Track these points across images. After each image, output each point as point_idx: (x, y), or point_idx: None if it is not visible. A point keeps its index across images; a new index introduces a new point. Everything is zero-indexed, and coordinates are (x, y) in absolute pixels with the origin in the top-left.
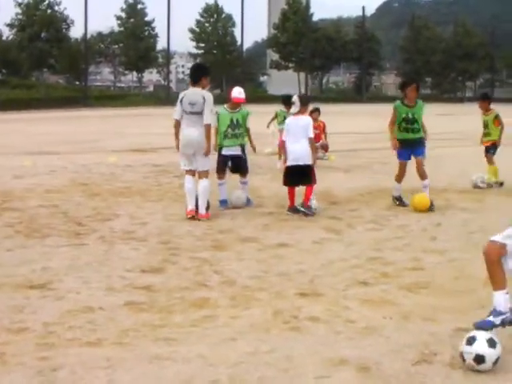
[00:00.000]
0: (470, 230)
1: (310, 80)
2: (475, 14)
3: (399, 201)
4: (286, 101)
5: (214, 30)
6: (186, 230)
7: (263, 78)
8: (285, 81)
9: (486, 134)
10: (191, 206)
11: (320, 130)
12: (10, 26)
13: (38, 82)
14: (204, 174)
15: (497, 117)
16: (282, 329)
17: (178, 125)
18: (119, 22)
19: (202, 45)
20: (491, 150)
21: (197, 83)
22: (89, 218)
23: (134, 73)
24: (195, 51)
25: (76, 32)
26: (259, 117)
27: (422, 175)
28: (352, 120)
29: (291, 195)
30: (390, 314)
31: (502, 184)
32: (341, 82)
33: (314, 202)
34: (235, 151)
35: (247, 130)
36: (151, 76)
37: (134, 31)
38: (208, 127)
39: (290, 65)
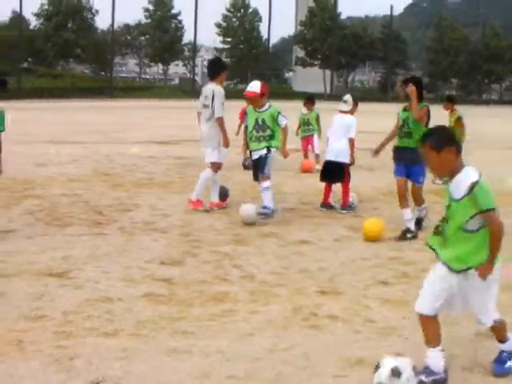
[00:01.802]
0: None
1: (336, 78)
2: (504, 16)
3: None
4: (309, 100)
5: (241, 24)
6: (208, 223)
7: (288, 75)
8: (310, 78)
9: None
10: (215, 199)
11: None
12: (37, 15)
13: (63, 72)
14: (208, 165)
15: (459, 118)
16: (301, 326)
17: (199, 117)
18: (146, 13)
19: (229, 39)
20: None
21: (213, 78)
22: (110, 208)
23: (160, 65)
24: (221, 46)
25: (103, 23)
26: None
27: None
28: (377, 119)
29: (327, 191)
30: (410, 315)
31: None
32: (366, 81)
33: (353, 196)
34: (259, 154)
35: (282, 131)
36: (177, 69)
37: (160, 23)
38: (220, 120)
39: (316, 62)
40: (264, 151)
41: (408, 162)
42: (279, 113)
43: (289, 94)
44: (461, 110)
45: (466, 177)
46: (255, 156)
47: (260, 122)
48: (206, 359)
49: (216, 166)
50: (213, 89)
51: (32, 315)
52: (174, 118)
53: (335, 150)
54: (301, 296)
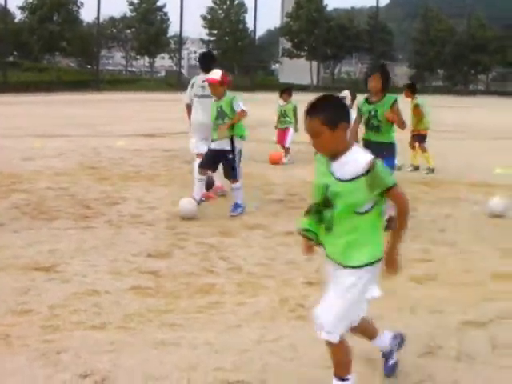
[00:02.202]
0: (479, 223)
1: (322, 69)
2: (490, 7)
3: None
4: (285, 91)
5: (227, 16)
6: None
7: (275, 66)
8: (296, 69)
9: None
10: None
11: None
12: (22, 8)
13: (49, 65)
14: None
15: (416, 106)
16: (288, 317)
17: (189, 108)
18: (131, 7)
19: (214, 31)
20: (420, 138)
21: (207, 70)
22: (97, 202)
23: (146, 58)
24: (207, 38)
25: (88, 16)
26: (267, 104)
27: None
28: None
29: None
30: (398, 305)
31: (433, 170)
32: (353, 72)
33: None
34: (220, 145)
35: (237, 114)
36: (163, 61)
37: (145, 16)
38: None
39: (302, 53)
40: (228, 146)
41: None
42: (234, 97)
43: (275, 86)
44: (448, 101)
45: (359, 155)
46: (216, 146)
47: (219, 110)
48: (194, 351)
49: None
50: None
51: (18, 310)
52: (160, 111)
53: None
54: (288, 287)
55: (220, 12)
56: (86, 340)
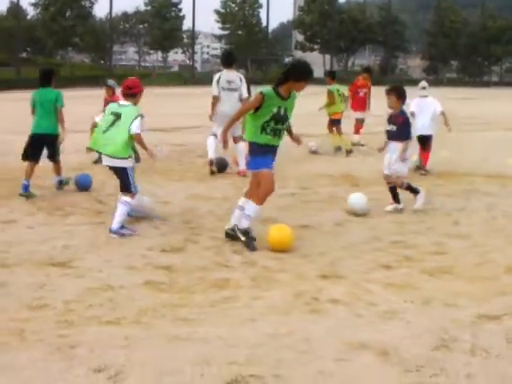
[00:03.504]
0: (493, 215)
1: (336, 62)
2: None
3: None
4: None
5: (240, 10)
6: (208, 209)
7: (288, 60)
8: (310, 62)
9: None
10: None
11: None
12: (35, 5)
13: (62, 61)
14: (240, 138)
15: (329, 92)
16: (303, 311)
17: (216, 99)
18: (145, 1)
19: (228, 26)
20: (335, 121)
21: (230, 67)
22: (111, 197)
23: (159, 53)
24: (220, 32)
25: (101, 11)
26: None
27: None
28: (377, 102)
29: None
30: (412, 298)
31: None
32: (366, 65)
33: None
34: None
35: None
36: (176, 56)
37: (159, 11)
38: (246, 100)
39: (316, 46)
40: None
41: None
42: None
43: None
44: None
45: None
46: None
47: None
48: (207, 346)
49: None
50: (240, 76)
51: (34, 305)
52: (173, 106)
53: (426, 125)
54: (302, 281)
55: (233, 6)
56: (101, 335)
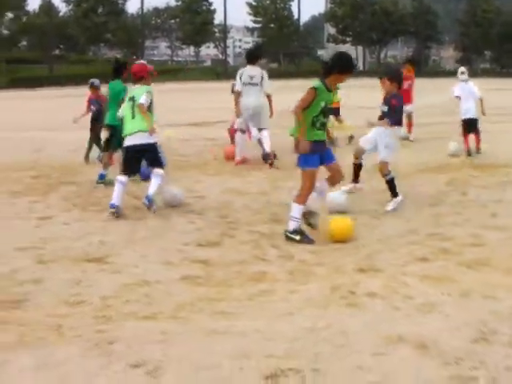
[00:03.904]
0: None
1: (368, 54)
2: None
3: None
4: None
5: (272, 3)
6: (244, 203)
7: (321, 52)
8: None
9: None
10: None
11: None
12: (67, 1)
13: (95, 57)
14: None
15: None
16: (340, 304)
17: (238, 95)
18: None
19: (259, 19)
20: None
21: (252, 63)
22: (146, 192)
23: (191, 47)
24: (252, 25)
25: (132, 7)
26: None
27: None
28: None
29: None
30: (449, 291)
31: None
32: (399, 56)
33: None
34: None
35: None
36: (208, 50)
37: (190, 5)
38: (269, 96)
39: (348, 39)
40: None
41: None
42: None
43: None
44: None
45: None
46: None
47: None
48: (245, 339)
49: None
50: (261, 71)
51: (71, 300)
52: (206, 100)
53: (472, 109)
54: (339, 274)
55: None
56: (138, 330)
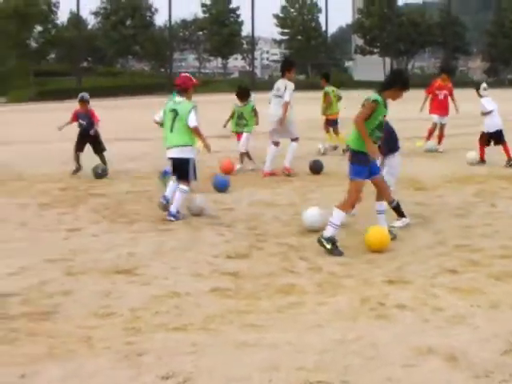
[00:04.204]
0: None
1: (396, 65)
2: None
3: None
4: (241, 93)
5: (299, 15)
6: (272, 215)
7: (348, 64)
8: (370, 66)
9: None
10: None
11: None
12: (95, 14)
13: (123, 70)
14: (295, 140)
15: (325, 93)
16: (369, 316)
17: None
18: (204, 8)
19: (287, 31)
20: (331, 122)
21: (283, 75)
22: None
23: (219, 59)
24: (280, 37)
25: (160, 19)
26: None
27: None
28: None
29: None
30: (479, 303)
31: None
32: (426, 67)
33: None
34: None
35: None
36: (236, 62)
37: (217, 17)
38: (285, 104)
39: (375, 50)
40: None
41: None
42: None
43: (349, 83)
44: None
45: None
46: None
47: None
48: (275, 351)
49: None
50: (285, 83)
51: (100, 312)
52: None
53: (499, 121)
54: (368, 286)
55: (292, 11)
56: (168, 342)
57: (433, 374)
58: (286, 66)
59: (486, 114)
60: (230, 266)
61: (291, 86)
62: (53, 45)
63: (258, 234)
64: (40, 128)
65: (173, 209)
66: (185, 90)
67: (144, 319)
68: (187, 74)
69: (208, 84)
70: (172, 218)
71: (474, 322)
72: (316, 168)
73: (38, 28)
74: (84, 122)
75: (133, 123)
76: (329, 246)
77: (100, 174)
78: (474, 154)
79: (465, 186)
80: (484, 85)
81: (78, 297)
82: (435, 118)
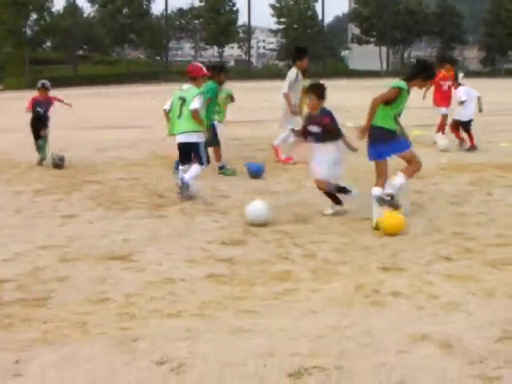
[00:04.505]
0: None
1: (392, 54)
2: None
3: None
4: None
5: (295, 4)
6: (267, 202)
7: (345, 53)
8: (366, 55)
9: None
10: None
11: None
12: (92, 2)
13: (119, 58)
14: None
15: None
16: (364, 303)
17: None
18: None
19: (283, 20)
20: None
21: (294, 63)
22: (169, 191)
23: (215, 48)
24: (276, 26)
25: (157, 8)
26: (341, 90)
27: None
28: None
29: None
30: (474, 290)
31: None
32: (422, 56)
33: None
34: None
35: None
36: (232, 51)
37: (214, 6)
38: (285, 95)
39: (371, 39)
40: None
41: None
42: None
43: (346, 72)
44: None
45: None
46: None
47: None
48: (270, 338)
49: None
50: (288, 72)
51: (95, 298)
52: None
53: (473, 111)
54: (363, 273)
55: (288, 0)
56: (162, 328)
57: (427, 361)
58: (295, 55)
59: (461, 103)
60: (224, 252)
61: (290, 75)
62: (48, 33)
63: None
64: None
65: (187, 177)
66: (193, 78)
67: (138, 305)
68: (198, 64)
69: None
70: (181, 184)
71: (469, 309)
72: None
73: (34, 16)
74: (41, 110)
75: (128, 111)
76: (388, 198)
77: (58, 163)
78: (445, 141)
79: (461, 174)
80: (461, 74)
81: (72, 283)
82: (443, 110)
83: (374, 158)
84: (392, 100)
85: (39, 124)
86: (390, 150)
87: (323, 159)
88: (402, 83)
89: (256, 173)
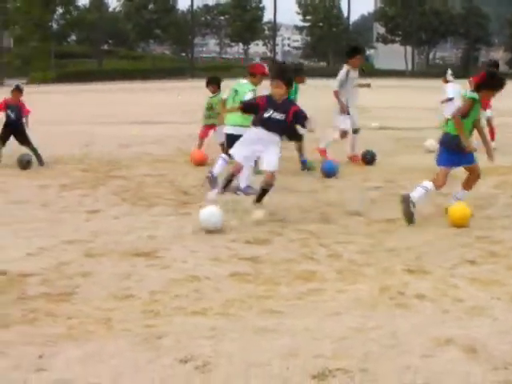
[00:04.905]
0: None
1: (417, 55)
2: None
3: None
4: (211, 83)
5: (321, 2)
6: (293, 202)
7: (370, 52)
8: (391, 55)
9: None
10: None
11: None
12: None
13: (144, 53)
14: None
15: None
16: (389, 305)
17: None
18: None
19: (309, 17)
20: None
21: (346, 61)
22: (195, 188)
23: (240, 45)
24: (301, 24)
25: (182, 4)
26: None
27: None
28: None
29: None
30: (499, 295)
31: None
32: (448, 58)
33: None
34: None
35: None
36: (257, 48)
37: (240, 3)
38: (334, 93)
39: (397, 38)
40: None
41: None
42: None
43: (370, 72)
44: None
45: None
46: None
47: None
48: (294, 338)
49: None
50: (341, 69)
51: (120, 294)
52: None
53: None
54: (388, 275)
55: None
56: (187, 325)
57: (452, 365)
58: (348, 53)
59: (447, 100)
60: (249, 251)
61: (341, 73)
62: (74, 26)
63: (278, 219)
64: (60, 109)
65: (242, 184)
66: (251, 74)
67: (163, 302)
68: (261, 63)
69: (229, 69)
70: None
71: (494, 313)
72: (367, 159)
73: (60, 10)
74: (12, 115)
75: (154, 106)
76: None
77: (24, 164)
78: (431, 141)
79: (486, 178)
80: (450, 71)
81: (97, 279)
82: (487, 112)
83: (444, 165)
84: (467, 112)
85: (7, 131)
86: (461, 160)
87: (272, 150)
88: (475, 94)
89: (329, 171)
